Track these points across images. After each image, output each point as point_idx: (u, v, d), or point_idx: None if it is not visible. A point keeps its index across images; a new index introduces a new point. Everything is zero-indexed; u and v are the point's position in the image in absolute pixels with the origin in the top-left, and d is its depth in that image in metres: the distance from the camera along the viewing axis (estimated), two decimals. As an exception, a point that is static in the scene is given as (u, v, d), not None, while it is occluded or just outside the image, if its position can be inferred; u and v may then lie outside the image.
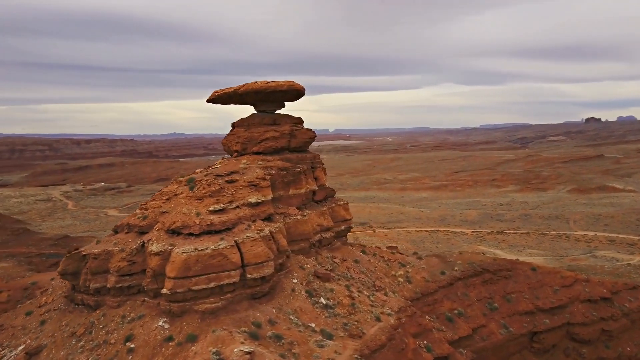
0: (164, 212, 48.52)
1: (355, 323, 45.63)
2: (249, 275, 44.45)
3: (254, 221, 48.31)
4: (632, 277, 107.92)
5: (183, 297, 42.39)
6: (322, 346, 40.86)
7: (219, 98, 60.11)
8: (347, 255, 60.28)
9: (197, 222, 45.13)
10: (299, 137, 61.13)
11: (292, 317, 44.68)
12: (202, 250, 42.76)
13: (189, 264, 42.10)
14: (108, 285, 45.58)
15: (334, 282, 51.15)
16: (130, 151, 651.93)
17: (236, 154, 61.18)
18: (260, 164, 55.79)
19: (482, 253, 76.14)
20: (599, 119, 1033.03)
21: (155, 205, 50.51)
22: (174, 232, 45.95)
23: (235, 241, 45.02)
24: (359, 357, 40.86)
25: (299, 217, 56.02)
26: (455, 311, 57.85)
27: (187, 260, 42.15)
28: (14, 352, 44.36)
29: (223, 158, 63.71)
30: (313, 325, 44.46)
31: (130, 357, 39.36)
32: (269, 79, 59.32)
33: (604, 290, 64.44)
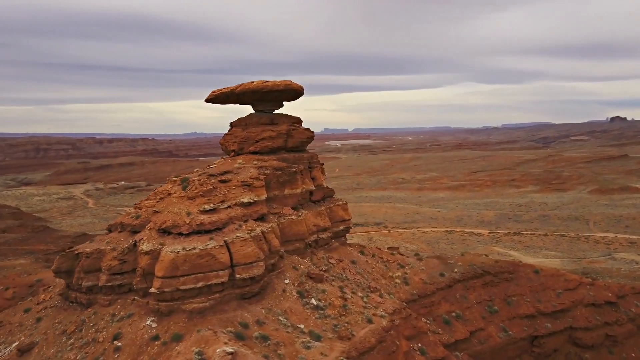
0: (157, 211, 48.86)
1: (346, 324, 45.20)
2: (237, 276, 44.41)
3: (245, 221, 48.27)
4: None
5: (171, 296, 42.55)
6: (308, 347, 40.57)
7: (216, 98, 60.33)
8: (344, 256, 59.84)
9: (187, 222, 45.28)
10: (296, 137, 60.92)
11: (281, 318, 44.50)
12: (190, 250, 42.87)
13: (177, 264, 42.25)
14: (99, 284, 46.12)
15: (327, 283, 50.80)
16: (151, 150, 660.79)
17: (233, 153, 61.31)
18: (255, 164, 55.76)
19: (485, 255, 74.93)
20: (625, 118, 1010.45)
21: (149, 204, 50.95)
22: (165, 232, 46.19)
23: (225, 241, 44.98)
24: (345, 359, 40.47)
25: (293, 217, 55.81)
26: (453, 314, 56.92)
27: (175, 260, 42.31)
28: (8, 349, 45.23)
29: (222, 158, 63.95)
30: (302, 326, 44.20)
31: (116, 356, 39.72)
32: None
33: (610, 294, 62.76)
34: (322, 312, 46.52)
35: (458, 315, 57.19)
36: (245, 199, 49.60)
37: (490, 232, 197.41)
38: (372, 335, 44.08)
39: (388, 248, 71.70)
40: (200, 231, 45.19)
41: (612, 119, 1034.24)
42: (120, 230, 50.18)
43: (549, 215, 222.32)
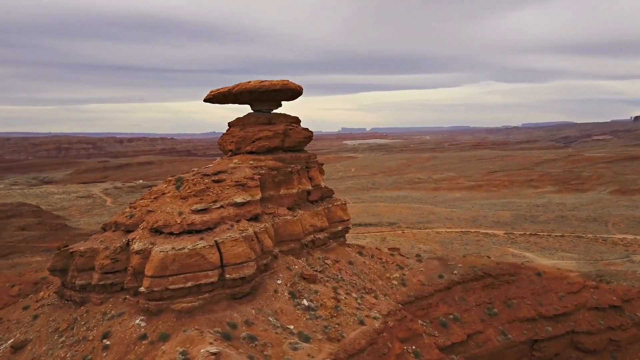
0: (150, 210, 49.12)
1: (336, 326, 44.81)
2: (227, 276, 44.32)
3: (238, 221, 48.13)
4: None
5: (160, 295, 42.66)
6: (295, 349, 40.30)
7: (214, 97, 60.43)
8: (342, 257, 59.37)
9: (178, 222, 45.35)
10: (293, 137, 60.62)
11: (271, 319, 44.29)
12: (179, 249, 42.93)
13: (166, 263, 42.33)
14: (92, 283, 46.52)
15: (321, 284, 50.42)
16: (170, 150, 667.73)
17: (230, 153, 61.33)
18: (251, 164, 55.66)
19: (488, 256, 73.63)
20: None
21: (143, 204, 51.22)
22: (157, 231, 46.35)
23: (215, 241, 44.94)
24: (332, 361, 40.07)
25: (289, 217, 55.52)
26: (451, 316, 56.02)
27: (164, 259, 42.40)
28: (3, 346, 45.91)
29: (221, 158, 64.00)
30: (292, 327, 43.94)
31: (104, 354, 40.01)
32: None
33: (614, 298, 61.08)
34: (313, 313, 46.19)
35: (456, 317, 56.28)
36: (239, 199, 49.49)
37: (505, 233, 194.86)
38: (363, 337, 43.60)
39: (389, 249, 70.98)
40: (191, 231, 45.24)
41: (636, 118, 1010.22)
42: (114, 230, 50.58)
43: (567, 216, 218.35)
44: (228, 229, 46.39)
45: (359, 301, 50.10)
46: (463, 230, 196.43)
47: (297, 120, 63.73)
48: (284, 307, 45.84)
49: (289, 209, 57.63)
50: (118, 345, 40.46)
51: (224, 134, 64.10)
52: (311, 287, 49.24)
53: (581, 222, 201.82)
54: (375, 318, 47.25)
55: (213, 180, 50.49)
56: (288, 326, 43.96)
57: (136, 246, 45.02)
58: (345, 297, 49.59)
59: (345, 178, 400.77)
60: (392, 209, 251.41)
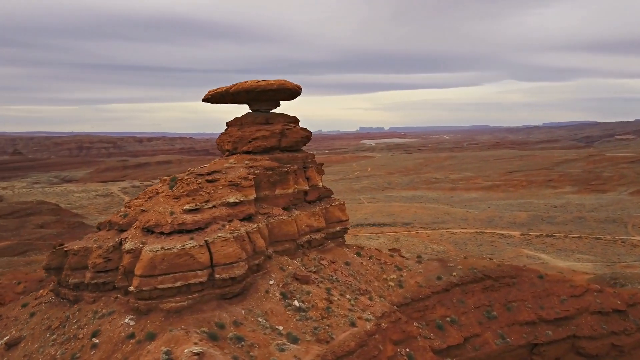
0: (144, 210, 49.37)
1: (326, 327, 44.40)
2: (217, 276, 44.28)
3: (230, 221, 48.07)
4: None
5: (149, 295, 42.81)
6: (282, 350, 40.05)
7: (212, 97, 60.60)
8: (338, 257, 58.93)
9: (169, 221, 45.50)
10: (290, 137, 60.40)
11: (260, 319, 44.11)
12: (168, 249, 43.03)
13: (155, 263, 42.46)
14: (85, 281, 46.98)
15: (314, 285, 50.05)
16: (189, 149, 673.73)
17: (227, 153, 61.43)
18: (246, 164, 55.62)
19: (489, 258, 72.38)
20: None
21: (138, 203, 51.55)
22: (148, 231, 46.60)
23: (206, 241, 44.92)
24: (319, 363, 39.68)
25: (283, 217, 55.30)
26: (448, 318, 55.13)
27: (153, 259, 42.53)
28: (-1, 342, 46.69)
29: (219, 158, 64.11)
30: (281, 328, 43.69)
31: (92, 353, 40.32)
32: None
33: (619, 302, 59.37)
34: (303, 314, 45.86)
35: (453, 320, 55.38)
36: (232, 199, 49.44)
37: (521, 234, 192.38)
38: (352, 339, 43.15)
39: (389, 250, 70.26)
40: (182, 230, 45.33)
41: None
42: (108, 229, 51.05)
43: (585, 217, 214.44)
44: (219, 229, 46.37)
45: (352, 302, 49.63)
46: (478, 231, 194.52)
47: (295, 120, 63.49)
48: (274, 308, 45.64)
49: (285, 209, 57.40)
50: (106, 343, 40.74)
51: (222, 133, 64.28)
52: (303, 288, 48.91)
53: (600, 224, 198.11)
54: (367, 320, 46.74)
55: (206, 180, 50.56)
56: (277, 327, 43.76)
57: (127, 245, 45.32)
58: (338, 299, 49.18)
59: (361, 177, 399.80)
60: (406, 209, 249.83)
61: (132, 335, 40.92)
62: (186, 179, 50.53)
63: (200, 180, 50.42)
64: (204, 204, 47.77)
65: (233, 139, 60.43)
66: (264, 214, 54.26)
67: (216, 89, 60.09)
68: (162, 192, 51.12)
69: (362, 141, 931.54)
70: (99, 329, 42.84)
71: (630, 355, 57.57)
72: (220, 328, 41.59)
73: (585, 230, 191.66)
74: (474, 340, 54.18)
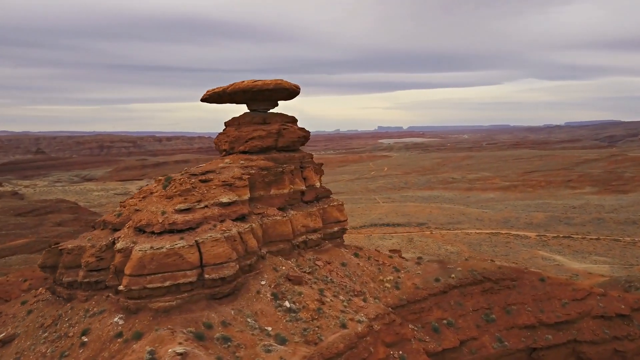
0: (137, 210, 49.65)
1: (316, 329, 44.04)
2: (206, 276, 44.26)
3: (222, 221, 48.03)
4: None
5: (138, 294, 43.00)
6: (269, 351, 39.82)
7: (210, 97, 60.74)
8: (335, 258, 58.46)
9: (160, 221, 45.65)
10: (286, 137, 60.15)
11: (249, 320, 43.96)
12: (157, 249, 43.12)
13: (144, 262, 42.62)
14: (78, 280, 47.43)
15: (307, 286, 49.69)
16: (207, 148, 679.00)
17: (224, 153, 61.50)
18: (242, 164, 55.53)
19: (492, 260, 71.09)
20: None
21: (132, 203, 51.90)
22: (140, 230, 46.83)
23: (196, 241, 44.96)
24: (305, 365, 39.32)
25: (278, 217, 55.06)
26: (445, 321, 54.22)
27: (142, 259, 42.70)
28: (-6, 339, 47.38)
29: (217, 158, 64.20)
30: (269, 329, 43.48)
31: (80, 351, 40.67)
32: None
33: (622, 307, 57.70)
34: (294, 315, 45.55)
35: (450, 322, 54.45)
36: (224, 199, 49.41)
37: (537, 235, 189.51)
38: (342, 341, 42.71)
39: (390, 250, 69.47)
40: (173, 230, 45.41)
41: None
42: (102, 228, 51.50)
43: (604, 219, 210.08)
44: (210, 229, 46.36)
45: (345, 304, 49.18)
46: (493, 231, 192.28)
47: (293, 120, 63.24)
48: (264, 309, 45.44)
49: (281, 209, 57.15)
50: (95, 342, 41.07)
51: (219, 133, 64.37)
52: (295, 289, 48.57)
53: (619, 225, 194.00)
54: (359, 321, 46.23)
55: (200, 180, 50.62)
56: (266, 328, 43.56)
57: (119, 245, 45.61)
58: (331, 300, 48.76)
59: (377, 177, 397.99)
60: (422, 209, 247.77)
61: (120, 334, 41.18)
62: (180, 179, 50.69)
63: (193, 180, 50.50)
64: (196, 203, 47.84)
65: (230, 139, 60.51)
66: (259, 214, 54.09)
67: (214, 89, 60.21)
68: (156, 191, 51.37)
69: (380, 140, 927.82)
70: (89, 327, 43.23)
71: (633, 361, 56.05)
72: (208, 328, 41.58)
73: (604, 231, 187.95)
74: (470, 344, 53.19)
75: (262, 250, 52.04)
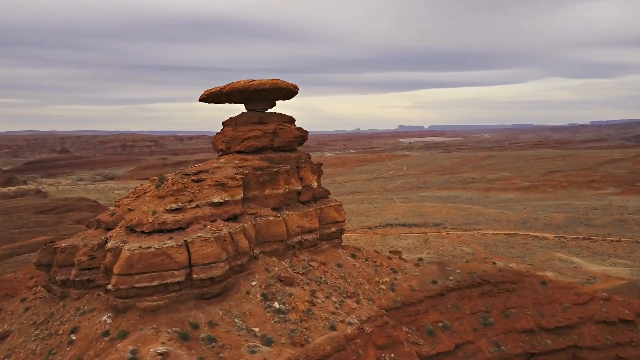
0: (131, 209, 50.00)
1: (304, 330, 43.68)
2: (195, 276, 44.31)
3: (213, 221, 48.01)
4: None
5: (126, 293, 43.25)
6: (253, 352, 39.63)
7: (207, 97, 60.91)
8: (331, 259, 57.98)
9: (150, 221, 45.87)
10: (282, 136, 59.88)
11: (237, 320, 43.84)
12: (145, 248, 43.32)
13: (132, 262, 42.84)
14: (70, 278, 47.99)
15: (298, 287, 49.32)
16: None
17: (221, 152, 61.56)
18: (236, 164, 55.51)
19: (494, 262, 69.59)
20: None
21: (126, 202, 52.31)
22: (131, 230, 47.10)
23: (185, 241, 45.07)
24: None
25: (271, 217, 54.80)
26: (440, 324, 53.25)
27: (130, 258, 42.92)
28: (-10, 336, 48.27)
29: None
30: (257, 329, 43.30)
31: (68, 349, 41.12)
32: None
33: (627, 312, 55.85)
34: (282, 316, 45.29)
35: (446, 325, 53.46)
36: (216, 199, 49.42)
37: (556, 237, 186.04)
38: (329, 343, 42.26)
39: (390, 251, 68.60)
40: (162, 230, 45.57)
41: None
42: (96, 227, 52.04)
43: (627, 220, 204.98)
44: (200, 229, 46.39)
45: (337, 305, 48.74)
46: (511, 232, 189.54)
47: (290, 120, 62.95)
48: (253, 309, 45.27)
49: (276, 209, 56.91)
50: (82, 340, 41.46)
51: (217, 133, 64.50)
52: (286, 290, 48.26)
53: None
54: (350, 323, 45.75)
55: (193, 180, 50.72)
56: (253, 328, 43.39)
57: (109, 244, 45.98)
58: (322, 301, 48.34)
59: (395, 177, 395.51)
60: (439, 209, 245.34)
61: (106, 333, 41.49)
62: (172, 179, 50.90)
63: (186, 180, 50.64)
64: (187, 203, 47.95)
65: (227, 139, 60.58)
66: (252, 214, 53.95)
67: (211, 89, 60.35)
68: (150, 191, 51.68)
69: (400, 140, 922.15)
70: (78, 325, 43.69)
71: (636, 369, 54.22)
72: (194, 328, 41.61)
73: (626, 233, 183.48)
74: (466, 348, 52.17)
75: (254, 251, 51.94)
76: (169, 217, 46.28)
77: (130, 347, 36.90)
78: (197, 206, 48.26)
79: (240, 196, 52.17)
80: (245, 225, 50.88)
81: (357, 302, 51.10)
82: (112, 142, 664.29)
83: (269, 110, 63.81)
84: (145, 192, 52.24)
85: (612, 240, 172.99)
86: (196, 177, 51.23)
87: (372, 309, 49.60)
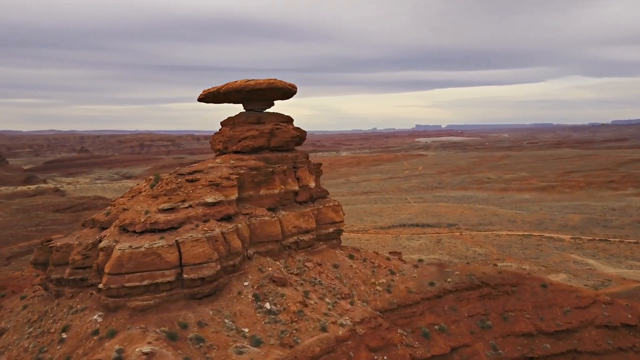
0: (125, 209, 50.26)
1: (294, 332, 43.42)
2: (185, 276, 44.36)
3: (206, 221, 48.02)
4: None
5: (117, 292, 43.45)
6: (240, 353, 39.49)
7: (205, 97, 61.05)
8: (327, 259, 57.57)
9: (142, 220, 46.04)
10: (279, 136, 59.63)
11: (227, 321, 43.76)
12: (136, 248, 43.47)
13: (122, 261, 43.02)
14: (65, 277, 48.40)
15: (291, 287, 49.04)
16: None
17: (218, 152, 61.58)
18: (232, 163, 55.42)
19: (495, 264, 68.38)
20: None
21: (121, 202, 52.62)
22: (124, 229, 47.32)
23: (176, 241, 45.13)
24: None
25: (266, 217, 54.57)
26: (436, 326, 52.44)
27: (121, 257, 43.11)
28: (-13, 333, 48.97)
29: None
30: (246, 330, 43.18)
31: (58, 347, 41.46)
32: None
33: (629, 316, 54.29)
34: (273, 317, 45.09)
35: (442, 328, 52.67)
36: (210, 199, 49.41)
37: (572, 238, 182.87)
38: (318, 345, 41.93)
39: (390, 252, 67.87)
40: (154, 230, 45.71)
41: None
42: (91, 227, 52.43)
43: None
44: (192, 229, 46.43)
45: (330, 307, 48.37)
46: (525, 233, 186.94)
47: (288, 120, 62.67)
48: (244, 310, 45.15)
49: (271, 209, 56.69)
50: (72, 339, 41.77)
51: (215, 133, 64.56)
52: (278, 290, 48.03)
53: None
54: (342, 325, 45.37)
55: (187, 180, 50.80)
56: (243, 329, 43.29)
57: (102, 243, 46.27)
58: (315, 302, 48.01)
59: (410, 177, 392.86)
60: (453, 210, 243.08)
61: (96, 332, 41.74)
62: (167, 179, 51.09)
63: (180, 180, 50.74)
64: (180, 203, 48.03)
65: (224, 139, 60.62)
66: (247, 214, 53.81)
67: (209, 89, 60.48)
68: (144, 191, 51.94)
69: (417, 139, 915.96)
70: (69, 324, 44.04)
71: (638, 375, 52.74)
72: (183, 328, 41.64)
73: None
74: (462, 351, 51.30)
75: (249, 251, 51.86)
76: (161, 217, 46.42)
77: (117, 347, 37.03)
78: (190, 206, 48.32)
79: (234, 196, 52.10)
80: (239, 225, 50.80)
81: (351, 303, 50.69)
82: (130, 141, 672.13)
83: (268, 110, 63.67)
84: (140, 192, 52.52)
85: (629, 242, 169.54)
86: (190, 177, 51.31)
87: (366, 311, 49.14)
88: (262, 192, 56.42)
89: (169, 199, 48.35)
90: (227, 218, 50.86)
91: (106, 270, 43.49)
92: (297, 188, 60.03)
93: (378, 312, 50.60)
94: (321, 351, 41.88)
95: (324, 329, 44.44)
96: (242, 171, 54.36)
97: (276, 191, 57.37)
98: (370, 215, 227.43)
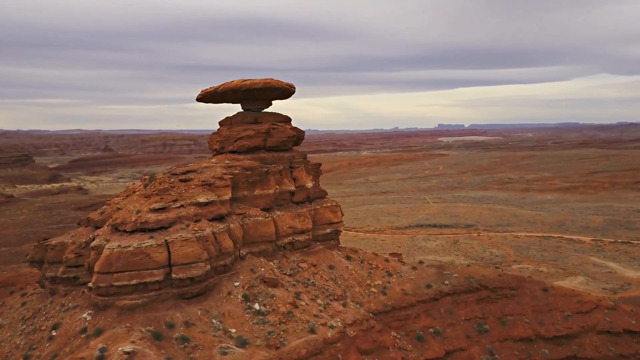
0: (119, 208, 50.63)
1: (282, 333, 43.11)
2: (174, 275, 44.42)
3: (197, 221, 48.02)
4: None
5: (106, 291, 43.71)
6: (225, 353, 39.30)
7: (204, 97, 61.17)
8: (322, 260, 57.03)
9: (133, 220, 46.28)
10: (275, 136, 59.31)
11: (214, 321, 43.66)
12: (125, 247, 43.70)
13: (111, 260, 43.29)
14: (58, 275, 49.00)
15: (282, 288, 48.68)
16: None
17: (215, 152, 61.57)
18: (227, 163, 55.34)
19: (496, 266, 66.79)
20: None
21: (116, 201, 53.03)
22: (116, 229, 47.64)
23: (166, 240, 45.23)
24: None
25: (260, 218, 54.32)
26: (432, 329, 51.42)
27: (110, 257, 43.40)
28: (-16, 329, 49.85)
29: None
30: (233, 330, 43.01)
31: (47, 345, 41.94)
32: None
33: (633, 322, 52.36)
34: (262, 317, 44.83)
35: (437, 331, 51.61)
36: (202, 199, 49.43)
37: (593, 240, 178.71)
38: (305, 346, 41.49)
39: (390, 254, 66.90)
40: (144, 229, 45.91)
41: None
42: (86, 225, 52.96)
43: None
44: (182, 228, 46.51)
45: (321, 308, 47.91)
46: (545, 235, 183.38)
47: (285, 120, 62.31)
48: (232, 310, 45.00)
49: (266, 209, 56.42)
50: (61, 337, 42.22)
51: (213, 133, 64.67)
52: (269, 291, 47.74)
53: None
54: (332, 327, 44.86)
55: (180, 180, 50.93)
56: (230, 329, 43.14)
57: (94, 242, 46.73)
58: (306, 304, 47.58)
59: (430, 176, 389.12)
60: (472, 210, 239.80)
61: (84, 330, 42.10)
62: (160, 179, 51.33)
63: (173, 179, 50.90)
64: (171, 203, 48.17)
65: (221, 139, 60.64)
66: (240, 214, 53.65)
67: (207, 89, 60.62)
68: (138, 190, 52.28)
69: (439, 139, 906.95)
70: (60, 322, 44.54)
71: (640, 383, 50.83)
72: (169, 328, 41.69)
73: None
74: (457, 355, 50.20)
75: (242, 251, 51.74)
76: (152, 217, 46.63)
77: (100, 345, 37.26)
78: (182, 206, 48.43)
79: (228, 196, 52.03)
80: (232, 225, 50.71)
81: (344, 305, 50.12)
82: (153, 140, 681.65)
83: (266, 110, 63.49)
84: (134, 192, 52.91)
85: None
86: (184, 177, 51.45)
87: (358, 312, 48.52)
88: (256, 192, 56.23)
89: (161, 198, 48.55)
90: (220, 218, 50.84)
91: (95, 269, 43.85)
92: (293, 188, 59.67)
93: (371, 314, 49.96)
94: (308, 353, 41.44)
95: (312, 331, 44.02)
96: (237, 171, 54.27)
97: (271, 191, 57.09)
98: (388, 216, 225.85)
